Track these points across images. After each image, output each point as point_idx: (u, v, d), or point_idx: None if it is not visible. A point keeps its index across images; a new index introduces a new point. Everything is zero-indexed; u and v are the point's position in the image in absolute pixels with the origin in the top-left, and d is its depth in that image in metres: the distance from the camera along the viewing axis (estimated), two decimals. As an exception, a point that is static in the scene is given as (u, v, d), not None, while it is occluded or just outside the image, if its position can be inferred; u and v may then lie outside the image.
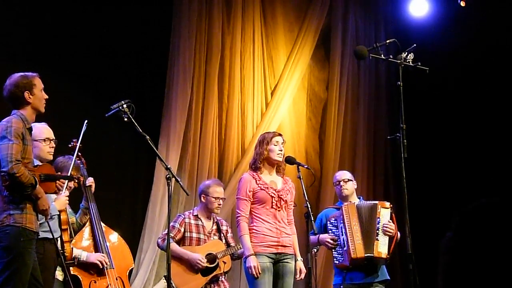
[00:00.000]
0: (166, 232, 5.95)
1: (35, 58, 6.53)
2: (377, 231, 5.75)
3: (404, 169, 4.73)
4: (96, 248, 5.65)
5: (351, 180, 6.08)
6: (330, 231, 5.82)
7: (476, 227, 1.70)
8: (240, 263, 7.78)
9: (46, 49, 6.90)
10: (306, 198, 5.41)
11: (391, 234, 5.76)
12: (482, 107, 8.94)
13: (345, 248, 5.72)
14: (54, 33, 7.03)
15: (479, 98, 8.93)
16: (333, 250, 5.81)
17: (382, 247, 5.73)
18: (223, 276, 6.11)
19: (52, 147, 5.17)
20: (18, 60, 6.36)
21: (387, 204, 5.93)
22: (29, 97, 4.57)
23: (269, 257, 5.35)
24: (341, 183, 6.01)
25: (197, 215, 6.12)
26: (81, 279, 5.49)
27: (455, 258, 1.64)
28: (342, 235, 5.76)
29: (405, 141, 4.73)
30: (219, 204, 6.15)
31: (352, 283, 5.76)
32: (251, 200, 5.44)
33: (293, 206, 5.68)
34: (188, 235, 6.03)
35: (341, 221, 5.79)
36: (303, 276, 5.56)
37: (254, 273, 5.24)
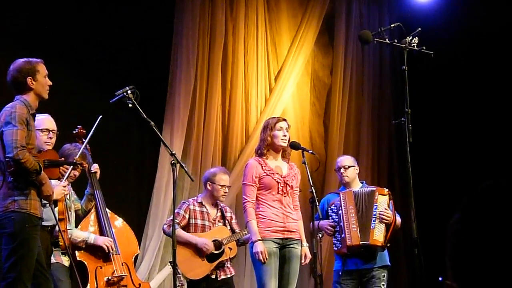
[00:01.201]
0: (171, 218, 5.97)
1: (39, 46, 6.51)
2: (374, 218, 5.75)
3: (409, 154, 4.71)
4: (102, 234, 5.66)
5: (352, 166, 6.05)
6: (330, 217, 5.84)
7: (483, 208, 1.69)
8: (245, 249, 7.81)
9: (50, 38, 6.88)
10: (311, 183, 5.40)
11: (387, 221, 5.77)
12: (487, 90, 8.91)
13: (343, 235, 5.73)
14: (57, 20, 7.01)
15: (484, 81, 8.90)
16: (333, 236, 5.82)
17: (378, 235, 5.73)
18: (229, 262, 6.12)
19: (50, 137, 5.16)
20: (21, 49, 6.34)
21: (385, 190, 5.92)
22: (32, 83, 4.55)
23: (275, 242, 5.36)
24: (341, 170, 6.00)
25: (201, 202, 6.12)
26: (87, 264, 5.50)
27: (463, 240, 1.64)
28: (340, 222, 5.77)
29: (410, 125, 4.71)
30: (225, 192, 6.16)
31: (350, 268, 5.77)
32: (257, 186, 5.43)
33: (298, 191, 5.67)
34: (193, 222, 6.04)
35: (340, 208, 5.79)
36: (308, 261, 5.56)
37: (261, 258, 5.24)
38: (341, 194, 5.84)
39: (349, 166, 6.02)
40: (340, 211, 5.77)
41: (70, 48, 7.04)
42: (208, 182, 6.13)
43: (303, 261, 5.51)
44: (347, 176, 5.98)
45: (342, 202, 5.79)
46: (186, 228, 6.03)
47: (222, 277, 6.03)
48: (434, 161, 9.01)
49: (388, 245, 5.84)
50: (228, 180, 6.24)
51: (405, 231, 8.96)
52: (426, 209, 7.28)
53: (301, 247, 5.48)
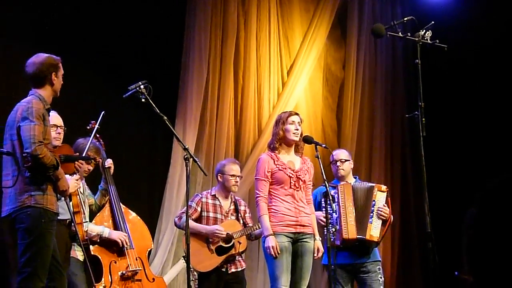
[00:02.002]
0: (182, 211, 6.00)
1: (52, 41, 6.53)
2: (371, 214, 5.76)
3: (423, 148, 4.70)
4: (116, 229, 5.68)
5: (348, 160, 6.04)
6: (323, 209, 5.78)
7: (500, 201, 1.68)
8: (258, 243, 7.81)
9: (62, 33, 6.89)
10: (324, 177, 5.39)
11: (384, 218, 5.78)
12: (501, 84, 8.86)
13: (338, 227, 5.70)
14: (69, 15, 7.02)
15: (498, 74, 8.85)
16: (325, 228, 5.77)
17: (374, 230, 5.73)
18: (240, 256, 6.12)
19: (59, 133, 5.18)
20: (33, 44, 6.36)
21: (384, 187, 5.94)
22: (54, 78, 4.59)
23: (287, 236, 5.36)
24: (338, 163, 5.98)
25: (214, 195, 6.13)
26: (101, 259, 5.53)
27: (479, 234, 1.63)
28: (335, 214, 5.74)
29: (423, 119, 4.69)
30: (236, 182, 6.15)
31: (344, 263, 5.73)
32: (270, 181, 5.43)
33: (311, 185, 5.67)
34: (205, 215, 6.04)
35: (336, 200, 5.77)
36: (320, 255, 5.56)
37: (273, 252, 5.25)
38: (339, 186, 5.82)
39: (345, 160, 6.01)
40: (337, 203, 5.75)
41: (82, 43, 7.04)
42: (219, 174, 6.15)
43: (316, 255, 5.51)
44: (342, 169, 5.97)
45: (340, 195, 5.77)
46: (198, 221, 6.03)
47: (233, 270, 6.03)
48: (448, 155, 8.98)
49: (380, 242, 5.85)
50: (239, 170, 6.25)
51: (418, 225, 8.97)
52: (440, 203, 7.25)
53: (314, 241, 5.48)
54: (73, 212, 5.15)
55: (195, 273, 5.98)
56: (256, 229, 6.06)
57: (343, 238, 5.65)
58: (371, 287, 5.74)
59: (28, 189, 4.38)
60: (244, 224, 6.17)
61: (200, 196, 6.13)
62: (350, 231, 5.66)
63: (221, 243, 5.97)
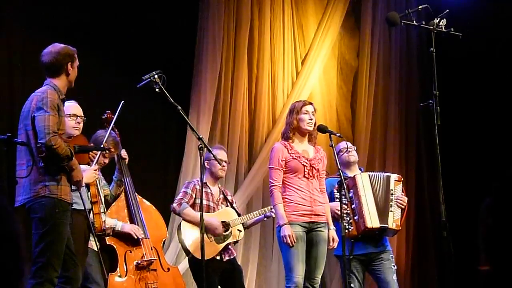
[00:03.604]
0: (180, 197, 6.00)
1: (67, 33, 6.54)
2: (391, 203, 5.74)
3: (438, 136, 4.68)
4: (131, 219, 5.71)
5: (354, 150, 6.05)
6: (337, 200, 5.74)
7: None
8: (273, 234, 7.82)
9: (75, 23, 6.91)
10: (339, 166, 5.38)
11: (403, 206, 5.78)
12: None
13: (355, 218, 5.69)
14: (82, 5, 7.04)
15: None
16: (340, 219, 5.75)
17: (396, 219, 5.73)
18: (232, 245, 6.14)
19: (78, 123, 5.18)
20: (50, 36, 6.38)
21: (399, 177, 5.92)
22: (70, 69, 4.60)
23: (302, 226, 5.35)
24: (348, 149, 5.93)
25: (205, 183, 6.11)
26: (116, 248, 5.55)
27: (496, 222, 1.62)
28: (352, 204, 5.73)
29: (438, 108, 4.67)
30: (223, 166, 6.13)
31: (360, 253, 5.70)
32: (284, 170, 5.43)
33: (325, 175, 5.65)
34: (198, 202, 6.02)
35: (351, 191, 5.75)
36: (335, 244, 5.55)
37: (289, 241, 5.24)
38: (356, 176, 5.79)
39: (354, 149, 6.02)
40: (353, 194, 5.74)
41: (96, 34, 7.06)
42: (206, 161, 6.08)
43: (330, 244, 5.50)
44: (353, 155, 5.95)
45: (358, 185, 5.75)
46: (192, 207, 6.02)
47: (227, 258, 6.04)
48: (463, 144, 8.93)
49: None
50: (225, 155, 6.24)
51: (433, 214, 8.95)
52: (454, 192, 7.23)
53: (328, 230, 5.47)
54: (92, 202, 5.18)
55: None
56: (251, 218, 6.12)
57: (366, 227, 5.62)
58: (386, 275, 5.71)
59: (42, 179, 4.39)
60: (237, 213, 6.18)
61: (194, 182, 6.11)
62: (373, 220, 5.64)
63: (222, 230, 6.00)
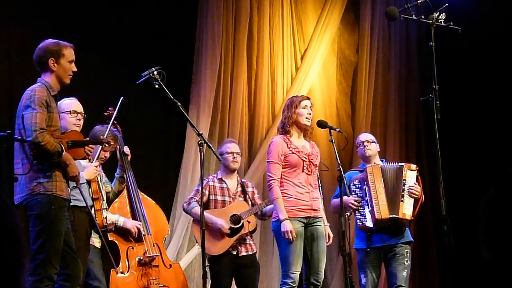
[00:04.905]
0: (190, 196, 6.01)
1: (66, 29, 6.54)
2: (403, 193, 5.70)
3: (437, 131, 4.68)
4: (134, 215, 5.71)
5: (374, 142, 6.01)
6: (353, 193, 5.74)
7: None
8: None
9: (75, 20, 6.90)
10: (339, 162, 5.38)
11: (416, 196, 5.71)
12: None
13: (369, 209, 5.68)
14: (82, 2, 7.03)
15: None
16: (356, 212, 5.76)
17: (407, 209, 5.67)
18: (251, 238, 6.11)
19: (79, 119, 5.16)
20: (49, 33, 6.37)
21: (413, 166, 5.88)
22: (53, 65, 4.53)
23: (300, 221, 5.34)
24: (365, 143, 5.93)
25: (221, 178, 6.11)
26: (118, 244, 5.55)
27: (496, 215, 1.63)
28: (366, 196, 5.71)
29: (438, 102, 4.67)
30: (234, 158, 6.11)
31: (377, 245, 5.69)
32: (282, 164, 5.41)
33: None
34: (213, 198, 6.01)
35: (365, 183, 5.75)
36: (331, 241, 5.55)
37: (290, 237, 5.22)
38: (367, 168, 5.77)
39: (372, 141, 5.99)
40: (366, 185, 5.72)
41: (96, 30, 7.05)
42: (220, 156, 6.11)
43: (328, 241, 5.50)
44: (370, 149, 5.92)
45: (369, 176, 5.72)
46: (206, 204, 5.99)
47: (243, 253, 5.99)
48: (463, 138, 8.94)
49: (412, 221, 5.82)
50: (236, 147, 6.22)
51: (433, 208, 8.95)
52: (454, 186, 7.23)
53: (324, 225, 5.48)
54: (93, 198, 5.17)
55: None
56: (264, 206, 6.05)
57: (376, 219, 5.60)
58: (395, 269, 5.68)
59: (36, 177, 4.39)
60: (253, 205, 6.15)
61: (207, 180, 6.10)
62: (382, 211, 5.61)
63: (230, 225, 5.96)
